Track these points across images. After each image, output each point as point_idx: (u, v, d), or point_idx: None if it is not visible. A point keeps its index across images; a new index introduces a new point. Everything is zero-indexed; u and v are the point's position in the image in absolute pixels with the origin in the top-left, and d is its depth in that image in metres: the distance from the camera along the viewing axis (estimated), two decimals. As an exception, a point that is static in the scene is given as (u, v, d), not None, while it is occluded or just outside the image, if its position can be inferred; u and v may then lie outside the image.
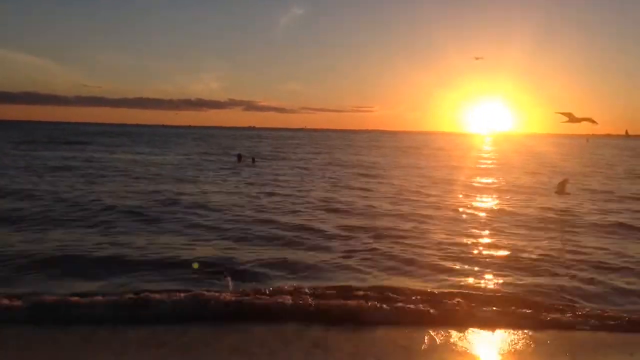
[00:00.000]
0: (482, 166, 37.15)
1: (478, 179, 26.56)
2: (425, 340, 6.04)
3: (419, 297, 7.35)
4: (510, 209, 16.15)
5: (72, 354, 5.64)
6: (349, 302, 7.02)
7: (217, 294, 7.04)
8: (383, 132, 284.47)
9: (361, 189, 20.91)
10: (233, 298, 7.01)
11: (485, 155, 52.23)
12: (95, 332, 6.11)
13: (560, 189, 15.85)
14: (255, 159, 34.11)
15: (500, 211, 15.81)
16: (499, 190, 21.47)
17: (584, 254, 10.30)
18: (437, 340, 6.08)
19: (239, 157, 34.60)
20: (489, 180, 26.04)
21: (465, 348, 5.92)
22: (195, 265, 7.53)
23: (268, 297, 7.12)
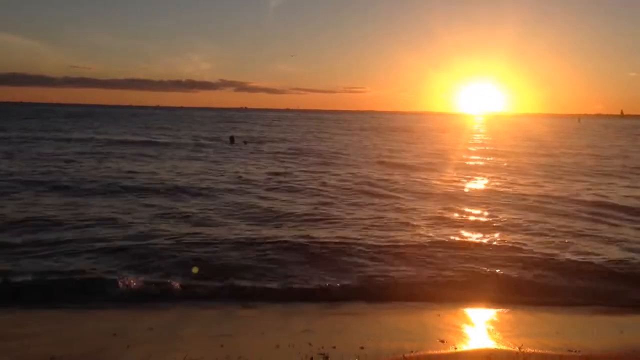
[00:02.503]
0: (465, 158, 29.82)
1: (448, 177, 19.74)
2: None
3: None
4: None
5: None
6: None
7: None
8: (374, 113, 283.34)
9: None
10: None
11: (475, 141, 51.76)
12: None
13: None
14: (247, 142, 35.85)
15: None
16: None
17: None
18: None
19: (232, 139, 35.94)
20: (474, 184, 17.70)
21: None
22: (195, 270, 7.58)
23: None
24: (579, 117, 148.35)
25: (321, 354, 5.10)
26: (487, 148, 35.21)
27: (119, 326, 5.80)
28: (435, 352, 5.32)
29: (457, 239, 9.81)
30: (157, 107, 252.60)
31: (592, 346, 5.50)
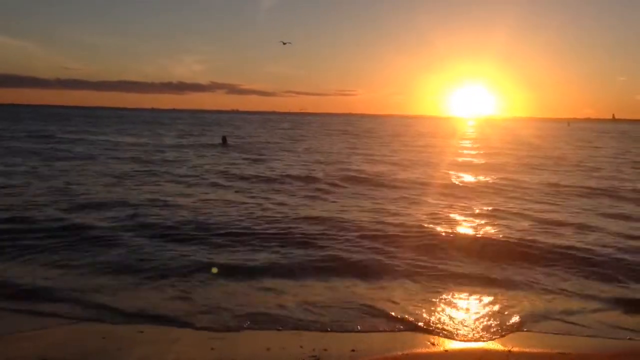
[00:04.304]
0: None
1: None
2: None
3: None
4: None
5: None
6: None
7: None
8: (365, 116, 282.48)
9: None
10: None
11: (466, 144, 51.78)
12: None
13: None
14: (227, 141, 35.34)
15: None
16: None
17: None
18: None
19: (224, 139, 35.52)
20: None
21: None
22: (214, 270, 7.59)
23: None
24: (569, 122, 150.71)
25: (313, 356, 5.10)
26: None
27: (108, 329, 5.76)
28: (425, 350, 5.35)
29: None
30: (152, 109, 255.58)
31: (585, 346, 5.54)
